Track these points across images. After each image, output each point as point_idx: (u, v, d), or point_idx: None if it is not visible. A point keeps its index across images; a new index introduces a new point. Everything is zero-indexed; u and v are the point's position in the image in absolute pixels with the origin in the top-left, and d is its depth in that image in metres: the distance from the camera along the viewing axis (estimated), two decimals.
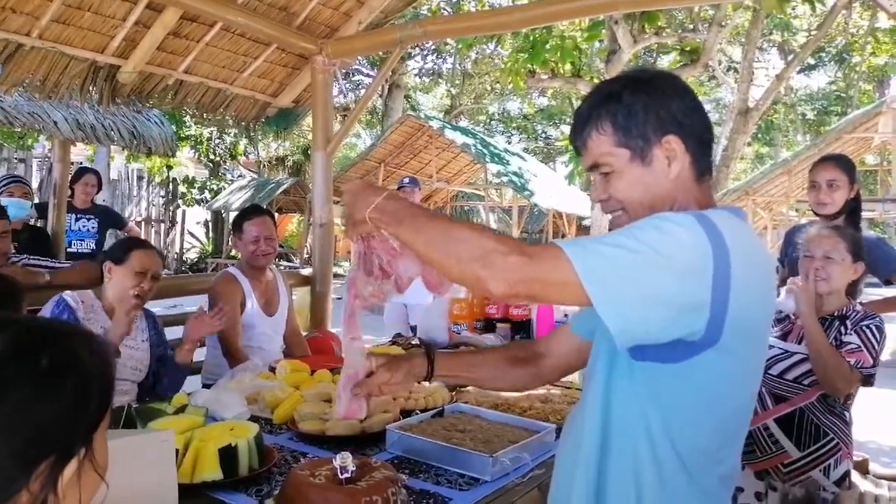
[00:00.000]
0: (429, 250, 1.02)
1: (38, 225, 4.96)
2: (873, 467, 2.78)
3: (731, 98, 17.11)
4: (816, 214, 2.81)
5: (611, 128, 1.06)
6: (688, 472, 1.03)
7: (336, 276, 10.27)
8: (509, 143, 21.87)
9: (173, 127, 7.31)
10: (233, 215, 17.27)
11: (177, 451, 1.33)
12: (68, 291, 2.25)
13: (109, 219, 5.21)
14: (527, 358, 1.40)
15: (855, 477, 2.28)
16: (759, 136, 21.54)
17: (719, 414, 1.04)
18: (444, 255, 1.00)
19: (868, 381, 2.07)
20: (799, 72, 17.88)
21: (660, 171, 1.06)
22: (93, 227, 4.96)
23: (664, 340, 0.96)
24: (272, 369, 2.25)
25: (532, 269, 0.94)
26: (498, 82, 18.99)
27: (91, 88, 3.52)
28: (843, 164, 2.75)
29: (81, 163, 11.97)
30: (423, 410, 1.89)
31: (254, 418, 1.79)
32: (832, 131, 10.90)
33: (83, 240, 4.96)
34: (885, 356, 2.13)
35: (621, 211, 1.09)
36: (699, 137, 1.07)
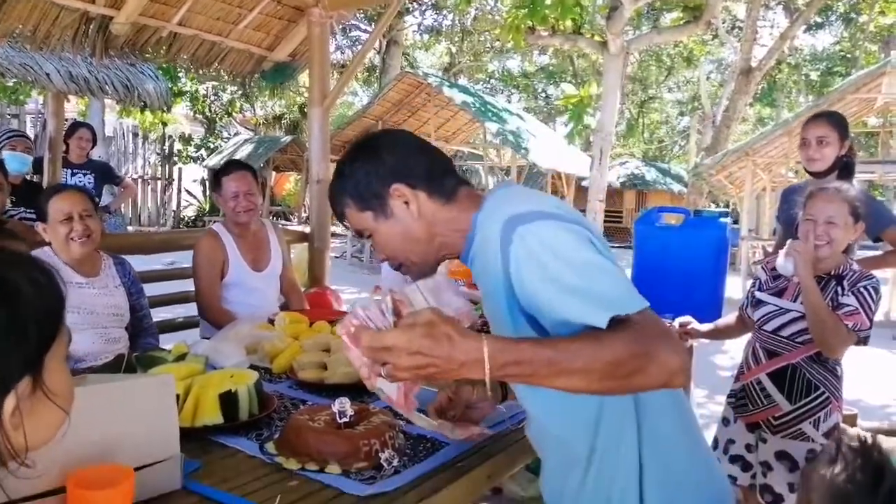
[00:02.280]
0: (578, 385, 0.93)
1: (35, 180, 4.93)
2: (861, 423, 2.83)
3: (734, 58, 16.87)
4: (808, 172, 2.79)
5: (350, 200, 1.18)
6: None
7: (334, 234, 10.30)
8: (509, 102, 21.63)
9: (168, 82, 7.20)
10: None
11: (177, 396, 1.35)
12: (38, 250, 2.21)
13: (105, 174, 5.18)
14: None
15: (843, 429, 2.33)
16: (762, 97, 21.32)
17: None
18: (597, 383, 0.92)
19: (864, 341, 2.09)
20: (804, 31, 17.58)
21: (404, 216, 1.16)
22: (89, 182, 4.93)
23: None
24: (271, 321, 2.27)
25: (673, 336, 0.97)
26: (498, 40, 18.67)
27: (83, 40, 3.45)
28: (834, 120, 2.73)
29: (75, 119, 11.81)
30: None
31: (253, 368, 1.81)
32: (835, 91, 10.77)
33: None
34: (876, 315, 2.16)
35: (398, 261, 1.21)
36: (423, 173, 1.16)
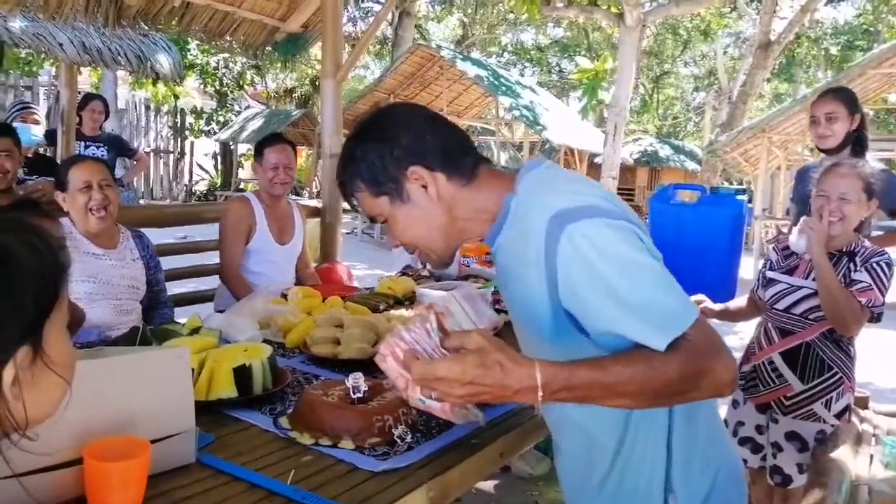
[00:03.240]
0: (631, 404, 0.96)
1: (48, 154, 4.94)
2: (873, 405, 2.81)
3: (752, 31, 16.52)
4: (820, 150, 2.77)
5: (363, 185, 1.11)
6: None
7: (345, 210, 10.30)
8: (522, 75, 21.37)
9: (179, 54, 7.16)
10: (241, 147, 17.27)
11: (192, 369, 1.36)
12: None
13: (119, 146, 5.18)
14: None
15: (854, 410, 2.32)
16: (779, 72, 20.92)
17: None
18: (652, 401, 0.95)
19: (878, 318, 2.07)
20: (825, 3, 17.17)
21: (422, 200, 1.09)
22: (102, 155, 4.93)
23: None
24: (284, 296, 2.28)
25: (724, 348, 0.94)
26: (512, 12, 18.39)
27: (96, 9, 3.43)
28: (841, 95, 2.73)
29: (87, 91, 11.81)
30: None
31: (266, 342, 1.82)
32: (855, 66, 10.53)
33: None
34: (890, 297, 2.13)
35: (416, 248, 1.15)
36: (441, 153, 1.09)
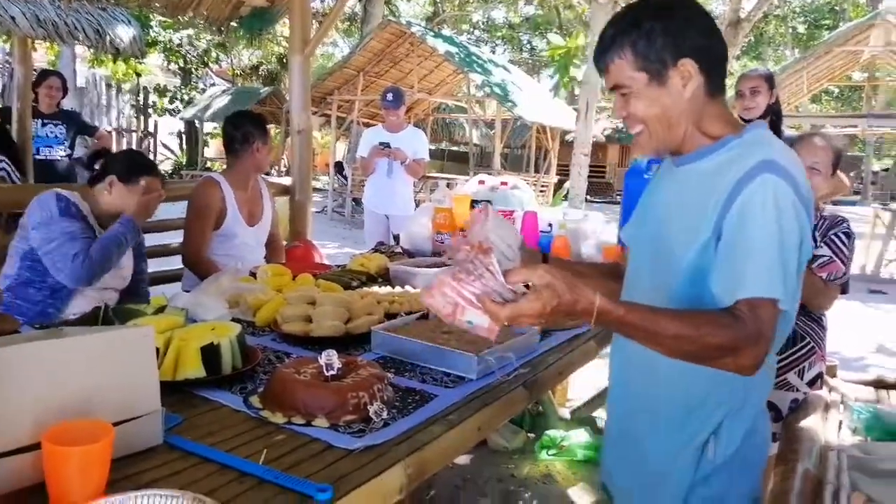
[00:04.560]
0: (663, 351, 1.08)
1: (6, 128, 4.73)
2: (841, 374, 2.87)
3: (723, 9, 16.60)
4: (743, 120, 3.01)
5: (630, 54, 1.14)
6: None
7: (315, 189, 10.14)
8: (494, 53, 21.22)
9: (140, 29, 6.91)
10: (207, 126, 16.89)
11: (157, 349, 1.31)
12: (63, 191, 2.18)
13: (78, 125, 5.00)
14: (618, 275, 1.43)
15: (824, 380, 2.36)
16: (748, 50, 21.11)
17: None
18: (680, 356, 1.08)
19: (845, 287, 2.10)
20: None
21: (675, 91, 1.15)
22: (60, 133, 4.77)
23: None
24: (252, 274, 2.22)
25: (768, 341, 1.04)
26: None
27: None
28: (764, 73, 3.24)
29: (44, 68, 11.39)
30: (408, 314, 1.88)
31: (236, 321, 1.76)
32: (822, 44, 10.69)
33: (51, 146, 4.77)
34: (853, 269, 2.16)
35: (642, 126, 1.19)
36: (713, 59, 1.16)
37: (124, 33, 5.49)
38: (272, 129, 17.17)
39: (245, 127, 2.84)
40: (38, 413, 0.97)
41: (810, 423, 2.02)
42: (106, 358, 1.06)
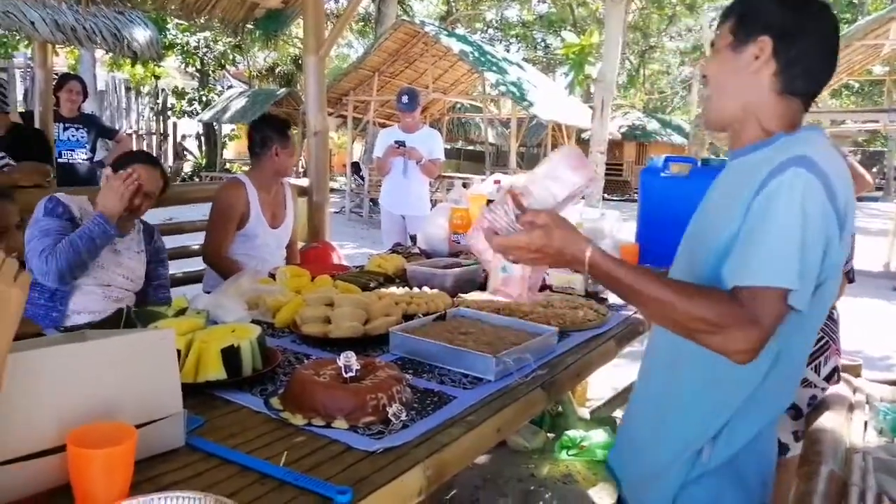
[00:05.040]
0: (647, 314, 1.14)
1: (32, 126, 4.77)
2: (864, 373, 2.83)
3: None
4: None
5: (736, 18, 1.17)
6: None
7: (332, 190, 10.18)
8: (508, 51, 21.17)
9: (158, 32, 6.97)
10: (225, 127, 17.01)
11: (178, 351, 1.32)
12: (62, 194, 2.19)
13: (99, 128, 5.07)
14: None
15: (847, 379, 2.32)
16: None
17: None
18: (673, 326, 1.09)
19: (851, 277, 2.08)
20: None
21: (744, 63, 1.15)
22: (82, 137, 4.83)
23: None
24: (272, 275, 2.23)
25: (765, 331, 1.02)
26: None
27: None
28: None
29: (65, 72, 11.56)
30: (425, 315, 1.88)
31: (255, 322, 1.78)
32: (841, 38, 10.54)
33: (74, 150, 4.83)
34: (876, 267, 2.13)
35: (710, 90, 1.21)
36: (797, 53, 1.12)
37: (141, 36, 5.56)
38: None
39: (264, 131, 2.86)
40: (62, 416, 0.98)
41: (834, 423, 1.99)
42: (128, 361, 1.07)
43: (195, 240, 3.23)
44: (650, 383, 1.35)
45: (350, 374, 1.29)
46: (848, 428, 1.99)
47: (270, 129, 2.88)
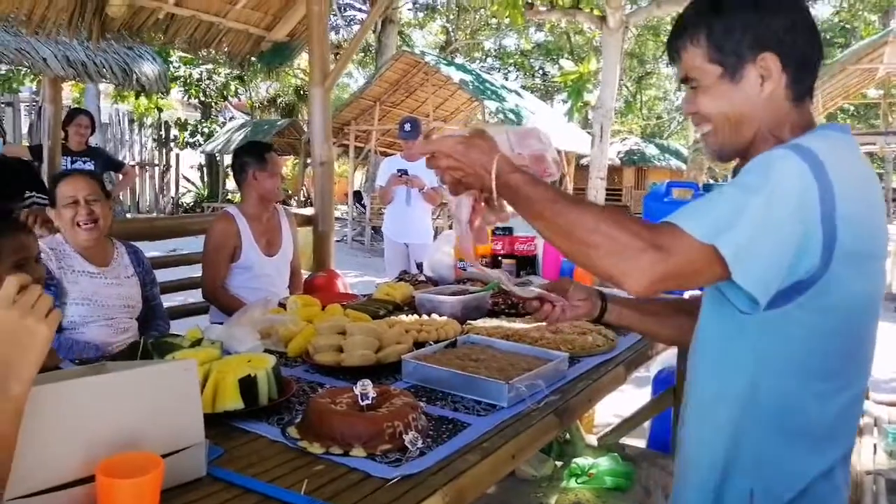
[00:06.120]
0: (552, 236, 1.02)
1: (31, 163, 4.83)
2: (872, 395, 2.83)
3: None
4: None
5: (705, 42, 1.04)
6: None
7: (336, 218, 10.26)
8: (506, 80, 21.45)
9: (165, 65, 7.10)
10: (227, 158, 17.15)
11: None
12: (50, 238, 2.20)
13: (106, 161, 5.14)
14: (690, 309, 1.32)
15: None
16: None
17: (840, 344, 1.04)
18: (570, 243, 1.00)
19: None
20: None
21: (750, 89, 1.04)
22: (89, 169, 4.88)
23: (787, 285, 0.96)
24: (282, 305, 2.26)
25: (669, 266, 0.93)
26: (494, 16, 18.45)
27: (79, 23, 3.40)
28: None
29: (69, 105, 11.72)
30: (436, 342, 1.90)
31: (268, 352, 1.80)
32: (836, 63, 10.68)
33: None
34: None
35: (709, 126, 1.09)
36: (801, 57, 1.04)
37: (149, 70, 5.66)
38: (290, 160, 17.42)
39: (241, 158, 2.91)
40: (89, 447, 1.00)
41: None
42: (151, 392, 1.09)
43: (199, 271, 3.26)
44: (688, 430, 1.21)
45: (367, 402, 1.31)
46: (858, 451, 2.00)
47: (246, 154, 2.91)
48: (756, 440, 1.05)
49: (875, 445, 2.14)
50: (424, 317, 2.18)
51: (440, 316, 2.19)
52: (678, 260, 0.93)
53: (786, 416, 1.03)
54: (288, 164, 19.62)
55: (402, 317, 2.18)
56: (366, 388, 1.32)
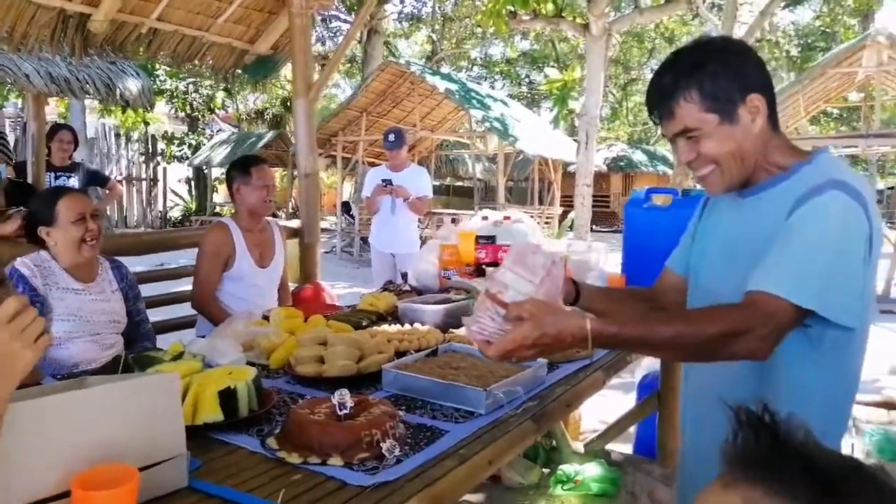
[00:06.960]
0: (670, 358, 1.20)
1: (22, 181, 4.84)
2: (858, 396, 2.88)
3: (715, 35, 16.85)
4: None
5: (698, 96, 1.17)
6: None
7: (323, 230, 10.25)
8: (493, 88, 21.57)
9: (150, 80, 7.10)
10: (215, 171, 17.14)
11: None
12: (21, 259, 2.14)
13: (90, 176, 5.12)
14: (648, 298, 1.49)
15: None
16: None
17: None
18: (688, 357, 1.18)
19: None
20: (783, 7, 17.62)
21: (745, 127, 1.18)
22: (73, 185, 4.88)
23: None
24: (265, 317, 2.27)
25: (776, 334, 1.07)
26: (479, 25, 18.58)
27: (62, 39, 3.41)
28: None
29: (55, 121, 11.67)
30: (417, 351, 1.92)
31: (250, 364, 1.81)
32: (816, 66, 10.83)
33: None
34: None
35: (713, 166, 1.21)
36: (771, 89, 1.20)
37: (133, 86, 5.66)
38: (278, 171, 17.40)
39: (229, 173, 2.97)
40: (67, 462, 1.01)
41: None
42: (132, 405, 1.10)
43: (188, 285, 3.26)
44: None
45: (344, 412, 1.33)
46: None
47: (233, 169, 2.94)
48: None
49: (853, 445, 2.17)
50: (407, 326, 2.20)
51: (423, 325, 2.21)
52: (780, 324, 1.07)
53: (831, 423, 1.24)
54: (275, 176, 19.60)
55: (385, 327, 2.20)
56: (343, 398, 1.33)
